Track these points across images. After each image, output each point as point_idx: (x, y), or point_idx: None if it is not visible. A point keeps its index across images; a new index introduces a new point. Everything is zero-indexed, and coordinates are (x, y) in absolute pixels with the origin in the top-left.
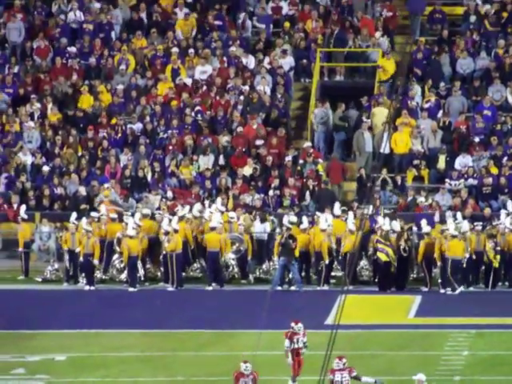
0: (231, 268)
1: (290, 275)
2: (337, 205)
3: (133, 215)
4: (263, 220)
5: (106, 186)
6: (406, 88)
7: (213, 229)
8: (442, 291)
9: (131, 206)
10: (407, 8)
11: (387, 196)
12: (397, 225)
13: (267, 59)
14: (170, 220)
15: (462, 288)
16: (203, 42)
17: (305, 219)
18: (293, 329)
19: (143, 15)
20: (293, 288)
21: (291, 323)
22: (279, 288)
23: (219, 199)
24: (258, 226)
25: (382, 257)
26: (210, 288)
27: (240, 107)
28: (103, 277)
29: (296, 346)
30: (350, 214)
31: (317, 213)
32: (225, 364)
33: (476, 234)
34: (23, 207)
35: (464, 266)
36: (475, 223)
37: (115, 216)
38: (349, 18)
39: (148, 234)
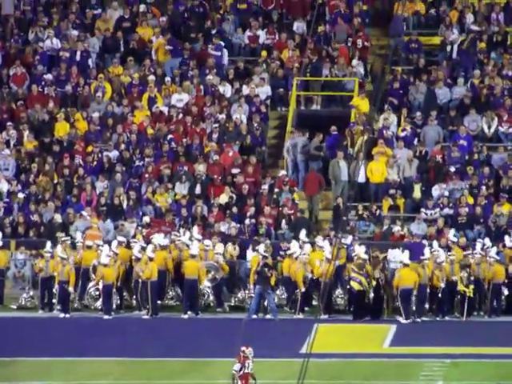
0: (206, 296)
1: (266, 303)
2: (303, 232)
3: (108, 243)
4: (254, 248)
5: (84, 213)
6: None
7: (193, 256)
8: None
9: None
10: (389, 31)
11: (362, 225)
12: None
13: (244, 88)
14: (144, 248)
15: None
16: (180, 70)
17: (294, 245)
18: (244, 353)
19: (120, 43)
20: (268, 316)
21: (242, 348)
22: (255, 316)
23: (195, 228)
24: (249, 255)
25: (355, 286)
26: (186, 316)
27: (216, 135)
28: (76, 305)
29: (246, 370)
30: (326, 242)
31: (293, 241)
32: None
33: (450, 263)
34: None
35: (439, 295)
36: (449, 253)
37: (91, 244)
38: (325, 47)
39: (123, 261)
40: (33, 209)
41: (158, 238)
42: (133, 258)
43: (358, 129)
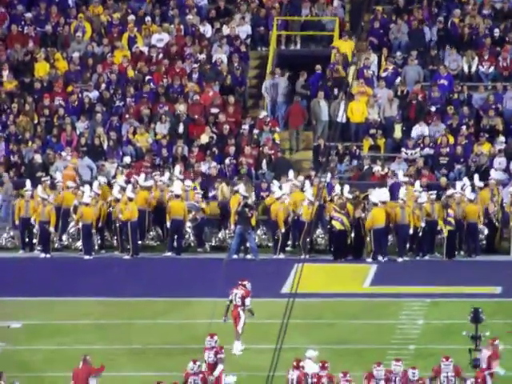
0: (188, 236)
1: (248, 244)
2: (291, 172)
3: (89, 183)
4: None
5: (63, 153)
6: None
7: (177, 196)
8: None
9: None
10: None
11: (343, 165)
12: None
13: (225, 28)
14: (124, 188)
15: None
16: (160, 9)
17: (276, 187)
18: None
19: None
20: (249, 256)
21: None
22: (235, 256)
23: (177, 167)
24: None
25: (337, 225)
26: (169, 254)
27: (196, 75)
28: (57, 246)
29: (234, 301)
30: (307, 182)
31: (274, 181)
32: (181, 332)
33: (431, 203)
34: None
35: (420, 234)
36: (430, 192)
37: (72, 184)
38: None
39: (105, 201)
40: (13, 149)
41: (140, 179)
42: (112, 198)
43: (338, 68)
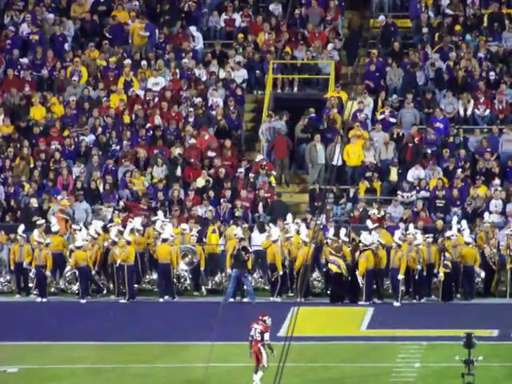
0: (184, 280)
1: (244, 287)
2: (289, 216)
3: (85, 226)
4: (262, 230)
5: (59, 197)
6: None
7: (164, 240)
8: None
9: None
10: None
11: (339, 208)
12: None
13: (221, 71)
14: (121, 231)
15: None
16: (156, 53)
17: (274, 230)
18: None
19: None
20: (245, 300)
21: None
22: (232, 300)
23: (160, 212)
24: (257, 237)
25: (334, 268)
26: (162, 300)
27: (192, 119)
28: (53, 290)
29: (255, 337)
30: (303, 225)
31: (271, 225)
32: (177, 376)
33: (427, 245)
34: None
35: (416, 277)
36: (426, 235)
37: (57, 228)
38: (300, 29)
39: (101, 245)
40: (9, 193)
41: (137, 222)
42: (109, 241)
43: (333, 113)
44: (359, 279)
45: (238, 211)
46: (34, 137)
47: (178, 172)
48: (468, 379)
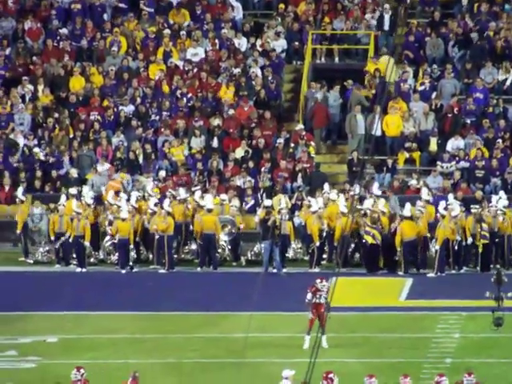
0: (223, 250)
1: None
2: (326, 185)
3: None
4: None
5: (99, 167)
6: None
7: (209, 211)
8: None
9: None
10: None
11: (380, 178)
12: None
13: (259, 41)
14: (157, 202)
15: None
16: (195, 24)
17: (314, 201)
18: (316, 284)
19: None
20: (274, 271)
21: (316, 280)
22: (274, 271)
23: (150, 183)
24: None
25: (369, 239)
26: (200, 270)
27: (231, 90)
28: (93, 260)
29: (317, 301)
30: (342, 196)
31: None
32: (216, 346)
33: (465, 216)
34: (20, 189)
35: (456, 248)
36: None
37: (113, 201)
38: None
39: (141, 215)
40: (49, 163)
41: (181, 192)
42: (149, 211)
43: (374, 83)
44: (400, 250)
45: (278, 182)
46: (74, 107)
47: (216, 143)
48: (498, 314)
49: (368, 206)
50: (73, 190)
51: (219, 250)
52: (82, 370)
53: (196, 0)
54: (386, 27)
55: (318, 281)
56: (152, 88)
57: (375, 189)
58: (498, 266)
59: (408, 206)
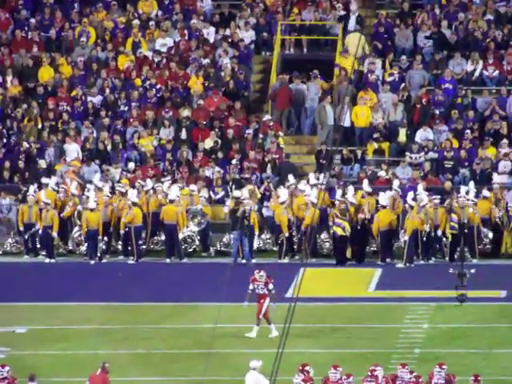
0: (193, 241)
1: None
2: (291, 176)
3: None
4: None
5: (68, 158)
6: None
7: (171, 201)
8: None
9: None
10: None
11: (348, 169)
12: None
13: (228, 32)
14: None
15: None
16: (164, 15)
17: (283, 192)
18: (255, 275)
19: None
20: (243, 261)
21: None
22: (243, 261)
23: (97, 175)
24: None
25: (338, 231)
26: (168, 261)
27: (200, 80)
28: (61, 250)
29: (258, 291)
30: (311, 187)
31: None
32: (186, 337)
33: (434, 207)
34: None
35: (424, 239)
36: (434, 196)
37: (75, 192)
38: None
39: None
40: (17, 154)
41: (148, 184)
42: (129, 202)
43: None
44: (377, 239)
45: (247, 173)
46: (42, 97)
47: (184, 134)
48: (461, 292)
49: (338, 196)
50: (45, 180)
51: (188, 241)
52: (6, 368)
53: None
54: (351, 27)
55: (256, 271)
56: (121, 79)
57: (366, 185)
58: (462, 244)
59: (385, 194)
